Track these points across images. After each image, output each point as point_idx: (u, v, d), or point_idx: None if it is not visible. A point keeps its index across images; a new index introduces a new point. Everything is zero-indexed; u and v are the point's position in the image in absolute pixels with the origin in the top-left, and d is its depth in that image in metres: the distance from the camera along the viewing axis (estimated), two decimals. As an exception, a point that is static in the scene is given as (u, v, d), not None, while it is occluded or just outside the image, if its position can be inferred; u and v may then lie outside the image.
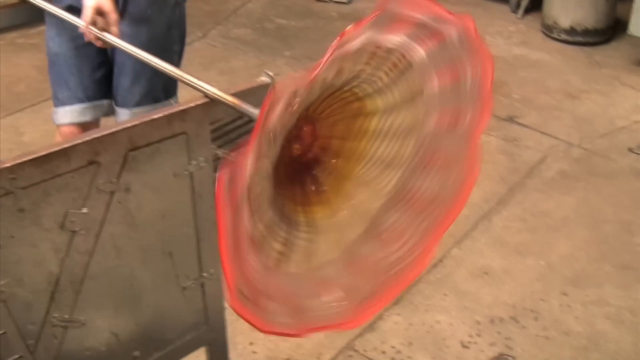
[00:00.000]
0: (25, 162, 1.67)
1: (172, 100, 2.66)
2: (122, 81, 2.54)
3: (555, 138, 4.03)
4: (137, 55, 2.10)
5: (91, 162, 1.79)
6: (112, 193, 1.85)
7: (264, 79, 1.95)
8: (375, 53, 1.53)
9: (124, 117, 2.56)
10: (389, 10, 1.42)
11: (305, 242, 1.67)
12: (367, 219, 1.71)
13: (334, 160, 1.76)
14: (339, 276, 1.63)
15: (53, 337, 1.91)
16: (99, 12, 2.22)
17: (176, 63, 2.60)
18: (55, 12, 2.31)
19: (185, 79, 1.96)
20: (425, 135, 1.65)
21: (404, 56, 1.55)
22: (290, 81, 1.34)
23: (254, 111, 1.73)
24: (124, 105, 2.56)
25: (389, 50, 1.53)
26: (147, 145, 1.87)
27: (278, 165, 1.62)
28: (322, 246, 1.68)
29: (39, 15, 5.05)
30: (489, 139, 3.97)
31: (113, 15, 2.23)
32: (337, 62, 1.43)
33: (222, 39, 4.92)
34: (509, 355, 2.64)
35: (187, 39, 2.63)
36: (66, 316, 1.90)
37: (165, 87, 2.60)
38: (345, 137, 1.75)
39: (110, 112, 2.62)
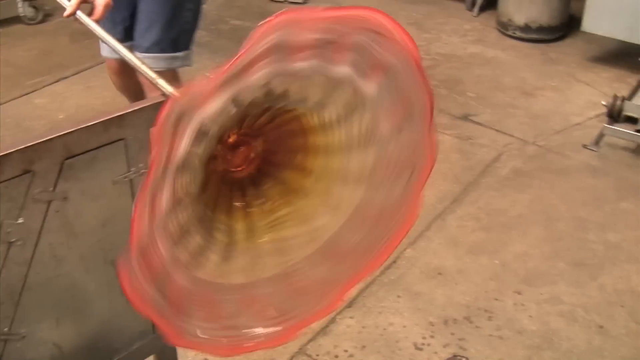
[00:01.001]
0: (-47, 171, 1.63)
1: (181, 54, 2.98)
2: (139, 27, 2.94)
3: (510, 135, 4.03)
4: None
5: (25, 171, 1.73)
6: (49, 202, 1.80)
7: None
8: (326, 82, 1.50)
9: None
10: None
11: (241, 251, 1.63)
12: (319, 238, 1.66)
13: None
14: (273, 295, 1.59)
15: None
16: None
17: (190, 20, 2.96)
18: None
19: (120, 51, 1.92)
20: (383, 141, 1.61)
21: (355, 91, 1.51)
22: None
23: (169, 89, 1.68)
24: (137, 49, 2.92)
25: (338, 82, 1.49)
26: (84, 152, 1.82)
27: (211, 174, 1.59)
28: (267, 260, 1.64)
29: None
30: (444, 138, 3.96)
31: None
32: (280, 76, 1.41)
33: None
34: (462, 356, 2.62)
35: None
36: (5, 329, 1.85)
37: (175, 40, 2.95)
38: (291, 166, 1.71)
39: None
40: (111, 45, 1.99)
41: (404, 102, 1.53)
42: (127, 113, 1.87)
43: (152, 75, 1.76)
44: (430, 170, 1.57)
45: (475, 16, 5.52)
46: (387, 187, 1.60)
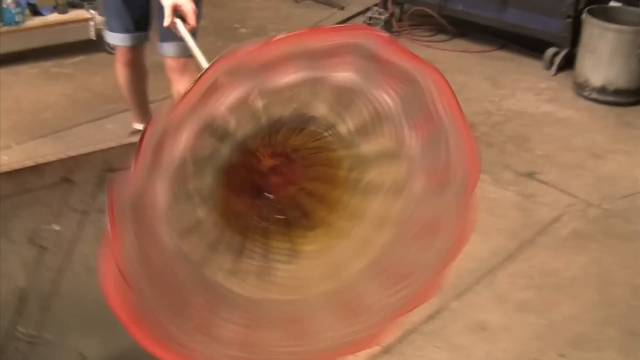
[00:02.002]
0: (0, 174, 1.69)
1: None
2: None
3: (574, 197, 3.94)
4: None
5: (64, 180, 1.79)
6: (85, 212, 1.85)
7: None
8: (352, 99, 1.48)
9: (170, 49, 3.49)
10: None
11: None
12: (338, 278, 1.62)
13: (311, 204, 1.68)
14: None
15: (16, 351, 1.91)
16: None
17: (201, 8, 3.19)
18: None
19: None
20: (413, 197, 1.55)
21: (375, 108, 1.49)
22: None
23: None
24: (168, 39, 3.39)
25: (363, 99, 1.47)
26: (124, 168, 1.86)
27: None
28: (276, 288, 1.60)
29: (74, 47, 5.23)
30: (505, 194, 3.90)
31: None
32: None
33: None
34: (495, 414, 2.56)
35: None
36: (32, 332, 1.89)
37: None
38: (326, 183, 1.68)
39: (146, 40, 3.71)
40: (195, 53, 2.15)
41: (445, 166, 1.50)
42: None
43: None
44: (461, 248, 1.50)
45: (552, 75, 5.45)
46: (412, 246, 1.54)
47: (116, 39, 3.67)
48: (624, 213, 3.83)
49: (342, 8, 6.61)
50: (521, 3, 5.55)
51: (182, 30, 2.49)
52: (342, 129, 1.53)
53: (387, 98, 1.46)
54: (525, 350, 2.85)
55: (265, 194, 1.62)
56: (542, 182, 4.07)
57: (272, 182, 1.61)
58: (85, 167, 1.80)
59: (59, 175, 1.78)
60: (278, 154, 1.59)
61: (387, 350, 2.80)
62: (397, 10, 6.18)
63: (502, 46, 5.82)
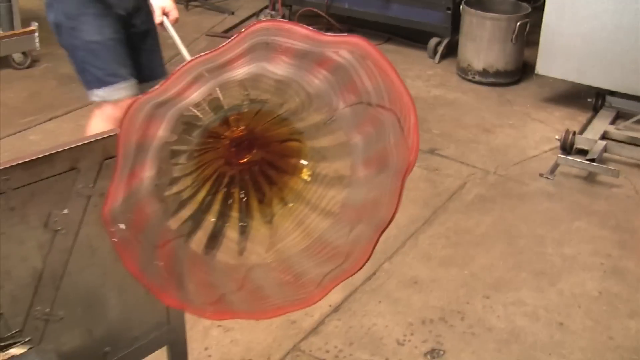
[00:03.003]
0: (17, 165, 1.91)
1: None
2: (153, 61, 3.44)
3: (473, 167, 4.40)
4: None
5: (72, 168, 2.02)
6: (88, 197, 2.08)
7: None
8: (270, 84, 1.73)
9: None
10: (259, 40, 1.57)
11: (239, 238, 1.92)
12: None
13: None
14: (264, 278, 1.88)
15: (35, 330, 2.11)
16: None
17: None
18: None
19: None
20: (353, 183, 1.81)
21: (302, 87, 1.73)
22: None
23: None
24: (162, 75, 3.35)
25: (283, 82, 1.72)
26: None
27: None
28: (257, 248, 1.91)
29: None
30: (413, 170, 4.29)
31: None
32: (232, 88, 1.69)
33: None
34: (440, 350, 2.93)
35: None
36: (47, 310, 2.09)
37: None
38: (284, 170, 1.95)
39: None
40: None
41: (384, 155, 1.72)
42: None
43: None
44: (391, 220, 1.71)
45: (436, 63, 5.93)
46: (350, 228, 1.80)
47: (124, 89, 3.18)
48: (517, 177, 4.31)
49: (232, 13, 6.92)
50: (403, -2, 6.01)
51: (170, 27, 2.88)
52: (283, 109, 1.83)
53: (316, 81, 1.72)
54: (455, 297, 3.25)
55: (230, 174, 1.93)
56: (443, 156, 4.51)
57: (234, 162, 1.91)
58: (88, 155, 2.04)
59: (68, 164, 2.00)
60: (241, 137, 1.90)
61: (336, 309, 3.14)
62: (286, 12, 6.53)
63: (387, 39, 6.28)
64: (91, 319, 2.25)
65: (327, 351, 2.91)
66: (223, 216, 1.95)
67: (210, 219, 1.93)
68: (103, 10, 3.13)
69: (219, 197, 1.95)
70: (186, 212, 1.89)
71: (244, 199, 1.97)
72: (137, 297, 2.34)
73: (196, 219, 1.91)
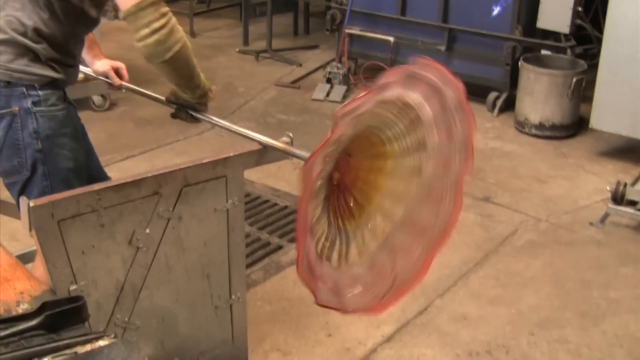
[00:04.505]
0: (109, 187, 2.19)
1: None
2: (97, 161, 3.21)
3: (525, 214, 4.58)
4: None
5: (155, 193, 2.29)
6: (168, 220, 2.35)
7: (285, 138, 2.54)
8: (400, 107, 2.09)
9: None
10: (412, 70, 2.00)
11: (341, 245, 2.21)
12: (382, 236, 2.24)
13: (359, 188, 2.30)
14: (362, 275, 2.16)
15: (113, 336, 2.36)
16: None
17: None
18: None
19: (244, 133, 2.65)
20: (426, 177, 2.20)
21: (417, 114, 2.10)
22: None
23: (303, 154, 2.31)
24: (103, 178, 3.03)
25: (408, 106, 2.08)
26: (197, 183, 2.38)
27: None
28: (353, 250, 2.21)
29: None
30: (467, 215, 4.51)
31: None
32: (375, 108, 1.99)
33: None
34: (483, 380, 3.12)
35: (198, 130, 3.11)
36: (126, 319, 2.35)
37: None
38: (371, 171, 2.29)
39: None
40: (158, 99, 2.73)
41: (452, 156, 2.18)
42: (230, 157, 2.44)
43: (280, 145, 2.54)
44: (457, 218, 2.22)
45: (495, 116, 6.15)
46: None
47: None
48: (567, 225, 4.47)
49: (300, 65, 7.25)
50: (464, 54, 6.26)
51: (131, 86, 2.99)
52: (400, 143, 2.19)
53: (428, 110, 2.10)
54: (502, 333, 3.42)
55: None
56: (497, 204, 4.70)
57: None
58: (170, 182, 2.31)
59: (152, 189, 2.28)
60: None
61: (388, 339, 3.34)
62: (352, 64, 6.84)
63: (448, 93, 6.51)
64: (164, 331, 2.49)
65: (378, 376, 3.12)
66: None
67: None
68: (77, 123, 2.77)
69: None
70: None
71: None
72: (206, 315, 2.59)
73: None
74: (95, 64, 3.02)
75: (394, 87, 1.99)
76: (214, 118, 2.79)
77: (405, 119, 2.11)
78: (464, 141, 2.18)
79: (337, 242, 2.18)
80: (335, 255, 2.16)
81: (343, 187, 2.23)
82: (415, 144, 2.16)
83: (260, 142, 2.53)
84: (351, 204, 2.25)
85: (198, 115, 2.80)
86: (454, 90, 2.08)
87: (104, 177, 3.02)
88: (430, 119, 2.09)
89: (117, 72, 3.02)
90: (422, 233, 2.20)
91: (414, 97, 2.04)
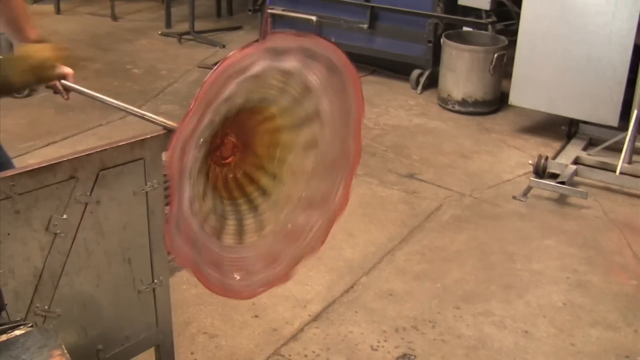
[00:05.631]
0: (23, 173, 2.13)
1: None
2: None
3: (450, 190, 4.63)
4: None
5: (71, 177, 2.23)
6: (86, 204, 2.30)
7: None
8: (278, 79, 2.06)
9: None
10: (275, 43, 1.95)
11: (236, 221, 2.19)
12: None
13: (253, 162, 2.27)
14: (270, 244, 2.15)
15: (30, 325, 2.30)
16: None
17: None
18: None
19: (139, 113, 2.50)
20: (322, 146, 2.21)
21: (303, 82, 2.08)
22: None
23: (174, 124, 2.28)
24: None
25: (289, 76, 2.06)
26: (114, 166, 2.33)
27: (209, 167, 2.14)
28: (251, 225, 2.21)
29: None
30: (392, 192, 4.54)
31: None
32: (240, 84, 1.94)
33: (152, 113, 5.41)
34: (411, 355, 3.14)
35: (121, 114, 2.87)
36: (46, 307, 2.29)
37: None
38: (264, 146, 2.27)
39: None
40: (107, 101, 2.54)
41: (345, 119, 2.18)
42: (147, 138, 2.39)
43: (154, 116, 2.40)
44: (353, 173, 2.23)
45: (418, 94, 6.19)
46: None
47: None
48: (491, 199, 4.54)
49: (223, 46, 7.18)
50: (387, 32, 6.28)
51: (79, 88, 2.67)
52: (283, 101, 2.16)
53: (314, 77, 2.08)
54: (428, 308, 3.46)
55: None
56: (421, 180, 4.74)
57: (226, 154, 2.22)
58: (87, 165, 2.26)
59: (68, 174, 2.22)
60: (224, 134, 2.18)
61: (315, 318, 3.35)
62: (275, 46, 6.78)
63: (372, 72, 6.55)
64: (86, 317, 2.44)
65: (306, 355, 3.12)
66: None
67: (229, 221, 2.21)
68: None
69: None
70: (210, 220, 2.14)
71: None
72: (129, 300, 2.54)
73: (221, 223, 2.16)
74: None
75: (291, 59, 1.97)
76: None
77: (292, 88, 2.10)
78: (355, 130, 2.20)
79: (228, 219, 2.16)
80: (225, 234, 2.16)
81: (235, 163, 2.22)
82: (307, 114, 2.16)
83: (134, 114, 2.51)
84: (243, 181, 2.24)
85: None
86: (331, 52, 2.05)
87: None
88: (318, 85, 2.08)
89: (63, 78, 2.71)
90: (318, 208, 2.21)
91: (291, 64, 2.02)
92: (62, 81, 2.65)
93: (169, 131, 2.35)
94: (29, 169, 2.16)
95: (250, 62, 1.89)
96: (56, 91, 2.68)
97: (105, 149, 2.31)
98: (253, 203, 2.27)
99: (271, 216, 2.27)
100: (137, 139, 2.38)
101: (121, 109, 2.59)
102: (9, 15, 2.62)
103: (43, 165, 2.19)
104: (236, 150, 2.23)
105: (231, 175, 2.25)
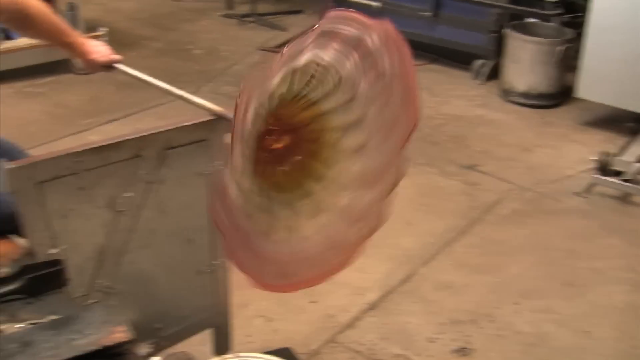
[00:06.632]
0: (88, 149, 2.13)
1: None
2: None
3: (511, 183, 4.55)
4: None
5: (136, 155, 2.23)
6: (150, 183, 2.29)
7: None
8: (316, 70, 1.96)
9: None
10: (325, 28, 1.86)
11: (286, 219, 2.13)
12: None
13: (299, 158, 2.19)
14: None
15: (94, 301, 2.31)
16: None
17: None
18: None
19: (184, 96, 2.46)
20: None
21: (337, 71, 1.97)
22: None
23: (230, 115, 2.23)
24: None
25: (326, 67, 1.95)
26: (179, 146, 2.32)
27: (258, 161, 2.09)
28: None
29: (43, 68, 5.61)
30: (452, 183, 4.48)
31: None
32: (288, 76, 1.87)
33: (212, 94, 5.45)
34: (468, 348, 3.09)
35: None
36: (107, 283, 2.31)
37: None
38: (309, 139, 2.17)
39: None
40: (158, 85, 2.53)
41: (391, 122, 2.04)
42: (212, 119, 2.37)
43: (203, 102, 2.35)
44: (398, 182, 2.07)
45: (480, 84, 6.10)
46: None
47: None
48: (553, 194, 4.45)
49: (284, 30, 7.15)
50: (450, 20, 6.19)
51: (129, 69, 2.68)
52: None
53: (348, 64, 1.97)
54: (486, 301, 3.41)
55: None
56: (482, 172, 4.67)
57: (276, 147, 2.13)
58: (152, 144, 2.25)
59: (133, 152, 2.22)
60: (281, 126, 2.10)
61: (372, 306, 3.32)
62: (336, 31, 6.73)
63: (433, 60, 6.46)
64: (145, 296, 2.44)
65: (362, 344, 3.09)
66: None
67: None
68: None
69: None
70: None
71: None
72: (188, 280, 2.54)
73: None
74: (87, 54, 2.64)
75: (306, 50, 1.86)
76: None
77: (327, 80, 2.01)
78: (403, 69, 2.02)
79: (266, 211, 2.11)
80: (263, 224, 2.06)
81: (281, 154, 2.14)
82: (350, 96, 2.05)
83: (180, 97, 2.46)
84: (288, 176, 2.18)
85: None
86: (377, 32, 1.95)
87: None
88: (353, 72, 1.97)
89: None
90: (372, 187, 2.10)
91: (329, 55, 1.92)
92: (115, 65, 2.65)
93: (219, 117, 2.32)
94: (94, 146, 2.17)
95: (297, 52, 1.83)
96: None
97: (171, 129, 2.30)
98: (306, 190, 2.20)
99: (327, 200, 2.20)
100: (203, 120, 2.37)
101: (171, 94, 2.54)
102: (42, 29, 2.51)
103: (109, 142, 2.19)
104: (284, 140, 2.16)
105: (280, 168, 2.18)
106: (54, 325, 1.69)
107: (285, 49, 1.77)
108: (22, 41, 5.55)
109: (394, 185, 2.06)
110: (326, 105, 2.07)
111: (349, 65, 1.96)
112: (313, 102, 2.09)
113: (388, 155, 2.08)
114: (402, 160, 2.07)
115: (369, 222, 2.10)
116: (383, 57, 1.97)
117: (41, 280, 1.89)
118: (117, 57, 2.68)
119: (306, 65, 1.90)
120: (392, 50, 1.97)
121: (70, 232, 2.17)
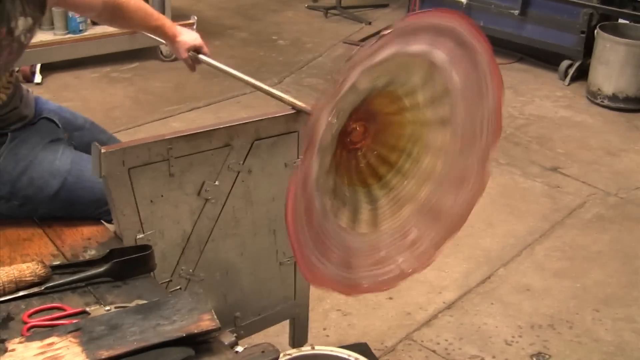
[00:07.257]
0: (180, 137, 2.16)
1: None
2: None
3: (595, 187, 4.46)
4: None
5: (226, 145, 2.25)
6: (238, 172, 2.31)
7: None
8: (426, 67, 1.96)
9: None
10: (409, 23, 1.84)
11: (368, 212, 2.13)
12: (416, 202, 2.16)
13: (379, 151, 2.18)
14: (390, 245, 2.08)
15: (178, 287, 2.35)
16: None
17: None
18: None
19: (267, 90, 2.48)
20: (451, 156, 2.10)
21: (429, 61, 1.95)
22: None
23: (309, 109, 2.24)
24: None
25: (434, 67, 1.95)
26: (268, 137, 2.34)
27: (339, 156, 2.08)
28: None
29: (129, 54, 5.71)
30: (534, 184, 4.42)
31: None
32: (370, 71, 1.84)
33: (295, 85, 5.48)
34: (546, 354, 3.05)
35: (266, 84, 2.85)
36: (190, 270, 2.33)
37: None
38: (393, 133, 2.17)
39: None
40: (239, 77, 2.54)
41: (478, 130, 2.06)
42: (301, 111, 2.38)
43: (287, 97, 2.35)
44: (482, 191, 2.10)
45: (566, 85, 5.99)
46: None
47: None
48: (638, 201, 4.34)
49: (369, 23, 7.15)
50: (538, 19, 6.09)
51: (211, 60, 2.66)
52: (419, 97, 2.06)
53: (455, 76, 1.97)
54: (566, 307, 3.35)
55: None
56: (565, 175, 4.59)
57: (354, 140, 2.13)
58: (242, 134, 2.27)
59: (224, 141, 2.24)
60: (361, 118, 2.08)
61: (450, 306, 3.30)
62: (421, 26, 6.69)
63: (520, 59, 6.37)
64: (227, 284, 2.47)
65: (438, 343, 3.07)
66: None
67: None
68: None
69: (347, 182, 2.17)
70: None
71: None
72: (270, 271, 2.56)
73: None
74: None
75: (420, 40, 1.85)
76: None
77: (431, 82, 2.00)
78: (493, 109, 2.04)
79: (347, 205, 2.09)
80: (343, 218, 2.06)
81: (363, 148, 2.14)
82: (436, 91, 2.04)
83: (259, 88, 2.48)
84: (368, 170, 2.16)
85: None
86: (484, 51, 1.94)
87: None
88: (458, 89, 1.97)
89: (197, 50, 2.69)
90: (437, 218, 2.11)
91: (441, 57, 1.91)
92: (196, 54, 2.65)
93: (298, 111, 2.32)
94: (186, 134, 2.19)
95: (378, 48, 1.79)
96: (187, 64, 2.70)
97: (261, 119, 2.32)
98: (388, 184, 2.19)
99: (409, 197, 2.19)
100: (292, 112, 2.38)
101: (251, 86, 2.55)
102: (134, 17, 2.56)
103: (200, 130, 2.21)
104: (367, 135, 2.15)
105: (363, 162, 2.18)
106: (141, 310, 1.71)
107: (379, 38, 1.74)
108: (107, 28, 5.66)
109: (476, 195, 2.09)
110: (414, 99, 2.08)
111: (457, 78, 1.97)
112: (400, 96, 2.09)
113: (472, 160, 2.09)
114: (486, 172, 2.08)
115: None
116: (487, 84, 1.98)
117: (129, 264, 1.93)
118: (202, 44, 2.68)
119: (391, 59, 1.88)
120: (484, 44, 1.96)
121: (158, 218, 2.19)
